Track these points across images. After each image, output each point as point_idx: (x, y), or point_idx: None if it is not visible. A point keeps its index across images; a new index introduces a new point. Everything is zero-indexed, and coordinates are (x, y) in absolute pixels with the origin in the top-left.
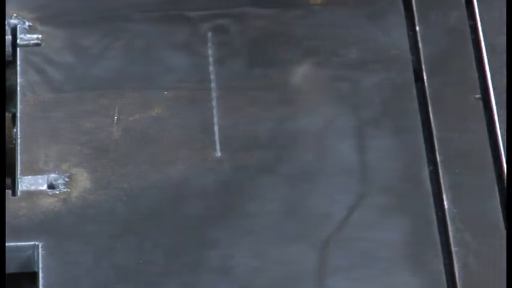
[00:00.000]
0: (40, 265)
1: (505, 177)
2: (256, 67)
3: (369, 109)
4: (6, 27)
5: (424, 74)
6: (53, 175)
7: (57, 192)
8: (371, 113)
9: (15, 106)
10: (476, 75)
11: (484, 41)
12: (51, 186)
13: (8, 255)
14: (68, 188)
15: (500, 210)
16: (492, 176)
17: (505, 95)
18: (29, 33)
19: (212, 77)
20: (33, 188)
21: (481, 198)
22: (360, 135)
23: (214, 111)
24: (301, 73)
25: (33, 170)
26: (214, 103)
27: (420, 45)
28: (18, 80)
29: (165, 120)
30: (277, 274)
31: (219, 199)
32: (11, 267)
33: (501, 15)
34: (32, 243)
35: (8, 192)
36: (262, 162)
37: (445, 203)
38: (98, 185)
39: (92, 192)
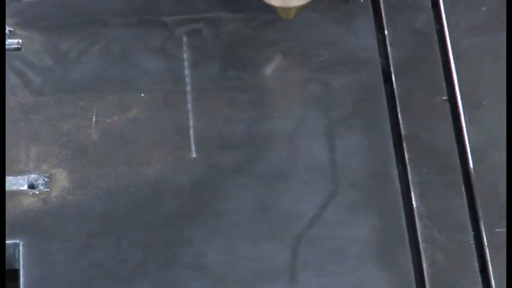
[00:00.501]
0: (21, 262)
1: (472, 176)
2: (230, 70)
3: (339, 110)
4: None
5: (393, 75)
6: (33, 175)
7: (37, 192)
8: (341, 114)
9: None
10: (442, 77)
11: (451, 44)
12: (31, 186)
13: None
14: (47, 187)
15: (466, 207)
16: (459, 174)
17: (470, 96)
18: (10, 38)
19: (187, 79)
20: (14, 188)
21: (448, 196)
22: (330, 135)
23: (190, 113)
24: (273, 75)
25: (14, 170)
26: (189, 105)
27: (388, 48)
28: None
29: (141, 122)
30: (250, 270)
31: (194, 198)
32: None
33: (467, 19)
34: (13, 241)
35: None
36: (236, 163)
37: (413, 201)
38: (76, 185)
39: (71, 191)
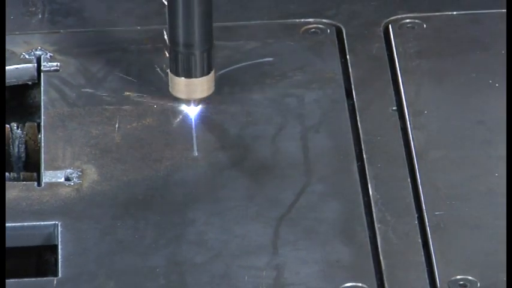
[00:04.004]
0: (59, 239)
1: (416, 171)
2: (224, 86)
3: (311, 118)
4: (33, 57)
5: (353, 91)
6: (68, 170)
7: (72, 184)
8: (312, 122)
9: (39, 117)
10: (392, 91)
11: (399, 66)
12: (67, 179)
13: (35, 232)
14: (80, 180)
15: (412, 195)
16: (405, 169)
17: (414, 106)
18: (50, 61)
19: None
20: (53, 180)
21: (397, 187)
22: (304, 139)
23: (192, 121)
24: (259, 91)
25: (54, 166)
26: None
27: (350, 69)
28: (42, 98)
29: (154, 128)
30: (241, 246)
31: (196, 188)
32: (37, 241)
33: (413, 46)
34: (53, 222)
35: (34, 183)
36: (229, 160)
37: (370, 190)
38: (103, 178)
39: (98, 183)
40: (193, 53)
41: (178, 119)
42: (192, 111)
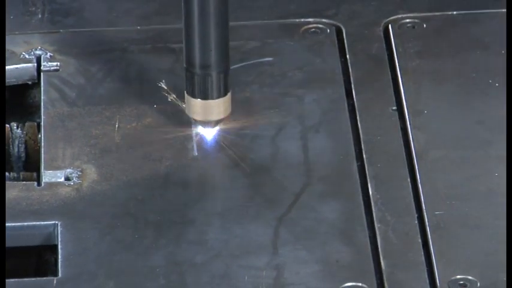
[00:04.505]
0: (59, 239)
1: (416, 170)
2: None
3: (311, 118)
4: (32, 57)
5: (353, 91)
6: (68, 170)
7: (72, 183)
8: (312, 121)
9: (39, 117)
10: (392, 91)
11: (399, 66)
12: (67, 179)
13: (35, 231)
14: (80, 180)
15: (412, 195)
16: (405, 169)
17: (414, 106)
18: (50, 61)
19: None
20: (53, 180)
21: (397, 187)
22: (304, 138)
23: (192, 121)
24: (258, 90)
25: (54, 166)
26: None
27: (350, 69)
28: (42, 97)
29: (154, 128)
30: (241, 246)
31: (196, 188)
32: (36, 241)
33: (413, 45)
34: (53, 222)
35: (34, 183)
36: (229, 160)
37: (370, 190)
38: (103, 178)
39: (98, 183)
40: (209, 74)
41: (177, 119)
42: (208, 133)
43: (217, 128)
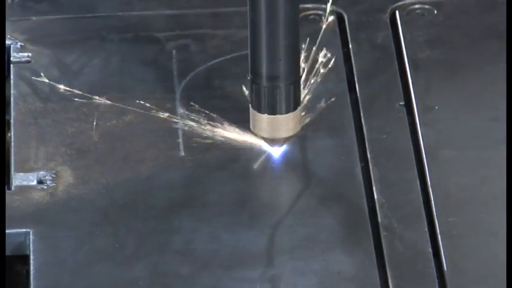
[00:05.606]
0: (31, 248)
1: (426, 172)
2: (214, 80)
3: (310, 115)
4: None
5: (356, 84)
6: (41, 172)
7: (45, 187)
8: (311, 118)
9: (9, 114)
10: (400, 85)
11: (407, 56)
12: (40, 182)
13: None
14: (54, 183)
15: (421, 199)
16: (414, 171)
17: (424, 102)
18: (21, 51)
19: (176, 88)
20: (25, 183)
21: (405, 190)
22: (302, 137)
23: (178, 118)
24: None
25: (25, 168)
26: (178, 111)
27: (353, 60)
28: (12, 92)
29: (136, 126)
30: (231, 256)
31: (182, 192)
32: (6, 251)
33: (423, 34)
34: (24, 230)
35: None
36: (219, 161)
37: (375, 193)
38: (80, 181)
39: (74, 186)
40: (278, 85)
41: (162, 116)
42: (275, 152)
43: (284, 147)
